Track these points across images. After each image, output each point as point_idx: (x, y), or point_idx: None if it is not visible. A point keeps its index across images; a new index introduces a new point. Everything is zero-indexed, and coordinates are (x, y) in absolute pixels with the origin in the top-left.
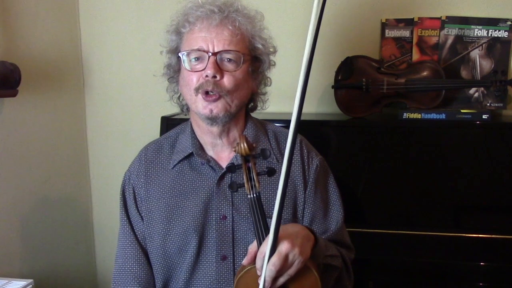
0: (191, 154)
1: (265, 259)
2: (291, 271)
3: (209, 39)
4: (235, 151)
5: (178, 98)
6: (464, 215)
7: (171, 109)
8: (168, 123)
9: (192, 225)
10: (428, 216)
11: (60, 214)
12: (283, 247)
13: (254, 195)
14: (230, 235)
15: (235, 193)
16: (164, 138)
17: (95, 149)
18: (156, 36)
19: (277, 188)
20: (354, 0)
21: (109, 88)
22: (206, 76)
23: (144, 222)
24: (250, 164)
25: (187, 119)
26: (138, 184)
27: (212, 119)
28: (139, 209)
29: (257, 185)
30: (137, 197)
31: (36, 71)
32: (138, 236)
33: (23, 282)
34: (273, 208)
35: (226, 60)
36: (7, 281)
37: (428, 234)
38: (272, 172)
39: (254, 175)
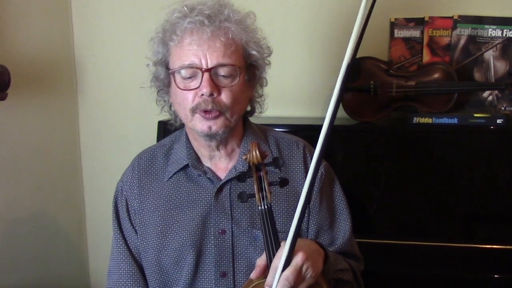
0: (187, 165)
1: (277, 271)
2: (303, 286)
3: (201, 52)
4: (245, 159)
5: (170, 108)
6: (477, 224)
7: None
8: (165, 128)
9: (189, 240)
10: (439, 226)
11: (52, 224)
12: (298, 258)
13: (265, 207)
14: (230, 251)
15: (244, 203)
16: (157, 147)
17: (88, 155)
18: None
19: (286, 198)
20: None
21: (103, 91)
22: (202, 94)
23: (138, 235)
24: (262, 173)
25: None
26: (131, 195)
27: (211, 136)
28: (133, 221)
29: (268, 196)
30: (130, 209)
31: (26, 73)
32: (132, 250)
33: None
34: (282, 221)
35: (221, 75)
36: None
37: (439, 245)
38: (284, 182)
39: (265, 185)
